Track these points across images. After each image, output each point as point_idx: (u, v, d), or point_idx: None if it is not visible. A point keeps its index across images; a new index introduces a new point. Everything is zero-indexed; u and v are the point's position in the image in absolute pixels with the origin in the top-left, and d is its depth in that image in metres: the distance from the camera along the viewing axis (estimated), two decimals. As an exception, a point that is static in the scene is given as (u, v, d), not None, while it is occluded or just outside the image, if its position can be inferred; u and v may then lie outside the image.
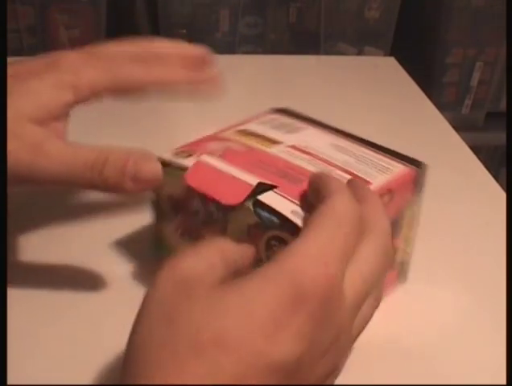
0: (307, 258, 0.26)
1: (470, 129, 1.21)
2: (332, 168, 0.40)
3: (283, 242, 0.35)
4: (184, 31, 1.07)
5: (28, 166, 0.36)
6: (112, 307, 0.44)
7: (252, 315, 0.25)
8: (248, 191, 0.37)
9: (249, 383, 0.24)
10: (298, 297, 0.25)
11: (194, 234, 0.41)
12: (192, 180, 0.39)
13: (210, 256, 0.29)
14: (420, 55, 1.20)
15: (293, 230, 0.34)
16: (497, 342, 0.43)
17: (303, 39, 1.14)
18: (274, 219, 0.35)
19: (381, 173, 0.41)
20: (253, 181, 0.37)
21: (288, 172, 0.39)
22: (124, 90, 0.41)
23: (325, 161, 0.41)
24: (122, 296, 0.44)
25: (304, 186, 0.36)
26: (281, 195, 0.36)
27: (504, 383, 0.39)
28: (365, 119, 0.75)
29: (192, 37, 1.04)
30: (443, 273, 0.50)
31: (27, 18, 1.01)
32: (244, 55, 1.09)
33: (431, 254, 0.52)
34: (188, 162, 0.40)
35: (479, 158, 0.67)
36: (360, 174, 0.40)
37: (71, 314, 0.43)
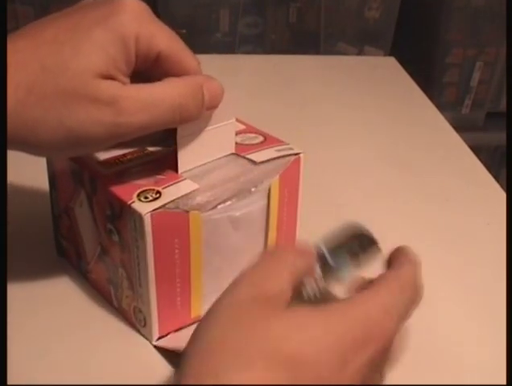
0: (378, 307, 0.29)
1: (470, 129, 1.21)
2: None
3: None
4: (184, 31, 1.07)
5: (111, 127, 0.34)
6: (111, 306, 0.44)
7: (329, 343, 0.27)
8: None
9: None
10: (366, 337, 0.28)
11: None
12: None
13: (283, 279, 0.30)
14: (420, 55, 1.20)
15: None
16: (498, 342, 0.43)
17: (303, 39, 1.14)
18: None
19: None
20: None
21: None
22: (167, 65, 0.37)
23: None
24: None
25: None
26: None
27: (504, 383, 0.39)
28: (365, 119, 0.75)
29: (191, 37, 1.03)
30: (443, 273, 0.50)
31: (27, 18, 1.01)
32: (244, 55, 1.09)
33: (431, 254, 0.52)
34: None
35: (479, 158, 0.67)
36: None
37: (71, 313, 0.44)
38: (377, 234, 0.54)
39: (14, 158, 0.37)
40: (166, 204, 0.37)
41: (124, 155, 0.41)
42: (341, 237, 0.36)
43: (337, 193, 0.59)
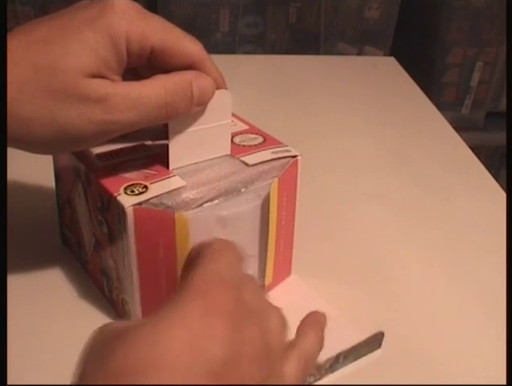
0: (205, 278, 0.29)
1: (470, 129, 1.21)
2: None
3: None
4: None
5: (101, 125, 0.35)
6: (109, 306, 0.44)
7: (173, 337, 0.25)
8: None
9: None
10: (209, 307, 0.27)
11: None
12: None
13: None
14: (420, 55, 1.20)
15: None
16: (497, 341, 0.43)
17: (303, 39, 1.14)
18: None
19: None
20: None
21: None
22: (165, 58, 0.37)
23: None
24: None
25: None
26: None
27: (504, 383, 0.39)
28: (365, 119, 0.75)
29: (191, 37, 1.03)
30: (443, 272, 0.50)
31: (27, 18, 1.02)
32: (244, 55, 1.09)
33: (431, 254, 0.52)
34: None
35: (479, 158, 0.67)
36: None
37: (71, 313, 0.44)
38: (376, 235, 0.55)
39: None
40: (150, 199, 0.37)
41: (121, 149, 0.42)
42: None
43: (336, 194, 0.59)
